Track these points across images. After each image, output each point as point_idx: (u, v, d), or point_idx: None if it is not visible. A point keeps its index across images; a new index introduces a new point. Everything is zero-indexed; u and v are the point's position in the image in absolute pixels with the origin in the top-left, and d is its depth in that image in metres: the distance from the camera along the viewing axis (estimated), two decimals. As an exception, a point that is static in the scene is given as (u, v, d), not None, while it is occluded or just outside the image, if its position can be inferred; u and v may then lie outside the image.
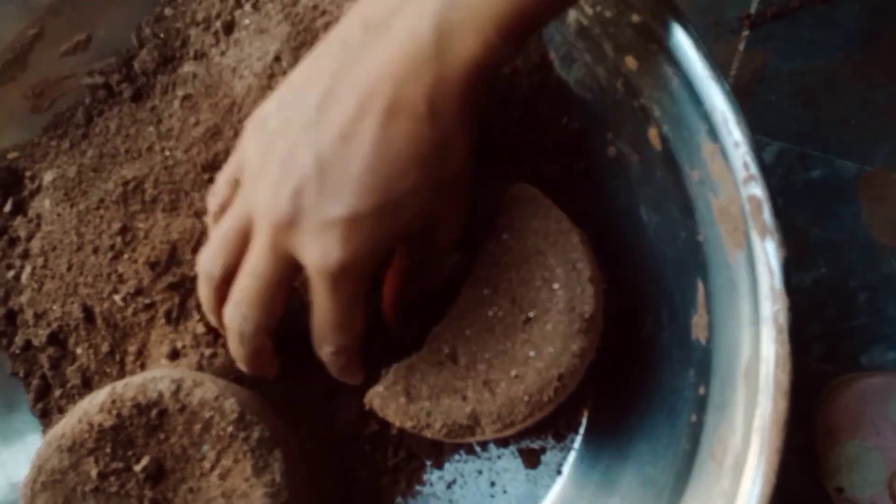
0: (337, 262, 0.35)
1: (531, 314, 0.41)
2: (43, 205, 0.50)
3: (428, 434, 0.41)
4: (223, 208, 0.40)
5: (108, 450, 0.41)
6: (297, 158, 0.35)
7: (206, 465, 0.41)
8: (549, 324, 0.40)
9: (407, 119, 0.35)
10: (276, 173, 0.36)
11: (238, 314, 0.39)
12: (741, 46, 0.60)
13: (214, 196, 0.41)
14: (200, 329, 0.46)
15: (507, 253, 0.42)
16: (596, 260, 0.42)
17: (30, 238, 0.50)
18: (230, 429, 0.41)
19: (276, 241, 0.36)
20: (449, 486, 0.49)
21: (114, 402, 0.41)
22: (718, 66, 0.40)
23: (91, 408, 0.42)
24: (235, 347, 0.41)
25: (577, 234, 0.41)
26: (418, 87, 0.35)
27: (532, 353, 0.40)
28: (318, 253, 0.36)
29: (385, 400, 0.42)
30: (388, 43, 0.36)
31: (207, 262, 0.39)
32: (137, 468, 0.41)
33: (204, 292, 0.41)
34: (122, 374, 0.48)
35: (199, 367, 0.46)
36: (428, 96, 0.35)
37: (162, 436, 0.42)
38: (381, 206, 0.35)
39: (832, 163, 0.58)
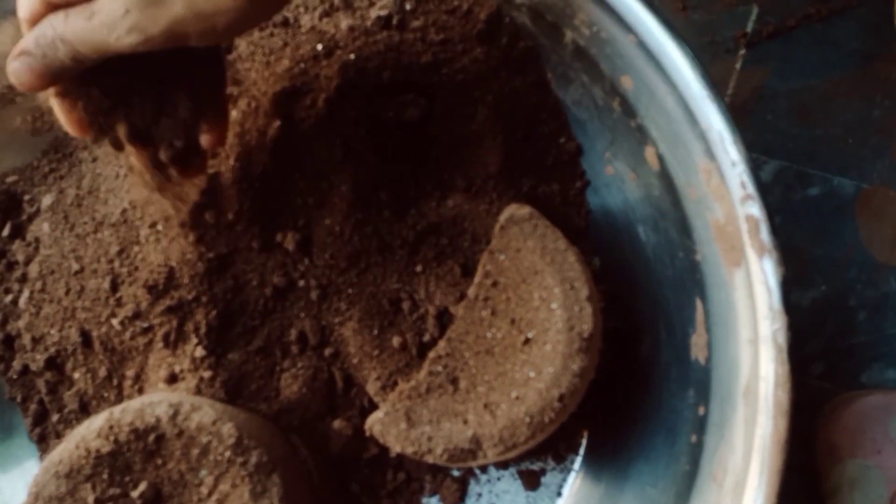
0: None
1: (530, 335, 0.41)
2: (41, 228, 0.50)
3: (430, 459, 0.41)
4: None
5: (105, 476, 0.41)
6: None
7: (204, 490, 0.41)
8: (549, 344, 0.40)
9: None
10: None
11: None
12: (738, 65, 0.60)
13: None
14: (199, 353, 0.46)
15: (504, 273, 0.42)
16: (593, 279, 0.42)
17: (28, 262, 0.50)
18: (228, 453, 0.41)
19: None
20: (449, 508, 0.49)
21: (111, 427, 0.41)
22: (715, 86, 0.40)
23: (88, 433, 0.41)
24: None
25: (573, 253, 0.41)
26: None
27: (532, 374, 0.40)
28: None
29: (385, 426, 0.41)
30: None
31: None
32: (135, 494, 0.41)
33: None
34: (119, 398, 0.47)
35: (198, 391, 0.45)
36: None
37: (159, 461, 0.41)
38: None
39: (830, 181, 0.58)
